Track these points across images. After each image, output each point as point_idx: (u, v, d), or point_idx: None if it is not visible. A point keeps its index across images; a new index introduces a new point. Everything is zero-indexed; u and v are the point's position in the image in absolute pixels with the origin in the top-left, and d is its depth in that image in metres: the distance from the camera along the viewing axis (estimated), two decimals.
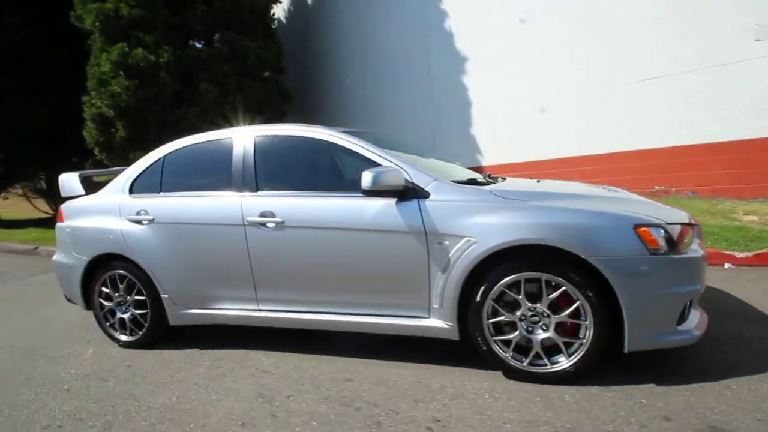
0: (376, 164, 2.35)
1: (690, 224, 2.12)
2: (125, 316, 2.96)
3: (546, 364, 2.06)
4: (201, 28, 7.66)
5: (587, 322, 1.98)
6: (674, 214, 2.16)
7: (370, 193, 2.19)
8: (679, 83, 5.69)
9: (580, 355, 1.99)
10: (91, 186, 3.26)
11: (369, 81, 9.53)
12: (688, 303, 1.98)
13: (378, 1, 9.02)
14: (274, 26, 8.94)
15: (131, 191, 2.97)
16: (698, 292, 1.99)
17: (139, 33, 7.09)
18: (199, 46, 8.33)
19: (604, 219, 1.98)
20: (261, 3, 8.30)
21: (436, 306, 2.22)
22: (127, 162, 7.56)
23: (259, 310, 2.64)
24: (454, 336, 2.22)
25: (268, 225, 2.49)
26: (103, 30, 6.96)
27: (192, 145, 2.92)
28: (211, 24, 7.70)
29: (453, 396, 2.05)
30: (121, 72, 6.90)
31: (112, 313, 3.01)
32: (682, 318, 1.97)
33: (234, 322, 2.75)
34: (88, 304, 3.08)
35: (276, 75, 9.06)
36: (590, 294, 1.94)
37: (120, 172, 3.58)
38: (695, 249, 2.04)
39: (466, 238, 2.09)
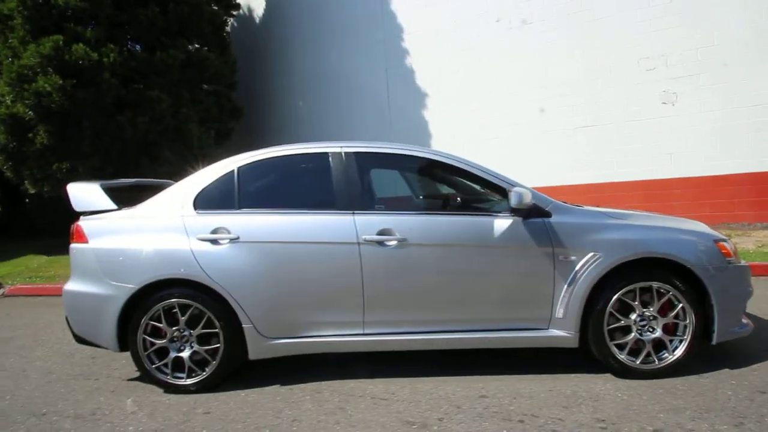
0: (493, 185, 2.52)
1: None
2: (184, 354, 2.49)
3: (654, 361, 2.40)
4: (150, 31, 6.83)
5: (686, 322, 2.39)
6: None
7: (515, 211, 2.35)
8: (603, 132, 7.06)
9: (683, 349, 2.39)
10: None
11: (324, 106, 9.54)
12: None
13: (337, 30, 9.23)
14: (229, 39, 8.46)
15: (195, 207, 2.57)
16: (752, 293, 2.57)
17: (76, 26, 6.03)
18: (136, 48, 7.40)
19: (695, 236, 2.47)
20: (219, 13, 7.82)
21: (560, 317, 2.42)
22: (48, 174, 6.23)
23: (365, 334, 2.50)
24: (574, 344, 2.44)
25: (388, 243, 2.43)
26: (29, 18, 5.76)
27: (271, 158, 2.69)
28: (163, 27, 6.94)
29: (592, 398, 2.25)
30: (50, 68, 5.74)
31: (161, 352, 2.50)
32: None
33: (332, 350, 2.54)
34: (124, 343, 2.51)
35: (228, 90, 8.51)
36: (690, 298, 2.37)
37: (142, 184, 3.09)
38: (742, 259, 2.65)
39: (592, 253, 2.37)
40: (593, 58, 7.03)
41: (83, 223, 2.62)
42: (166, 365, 2.50)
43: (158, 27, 6.93)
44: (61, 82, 5.63)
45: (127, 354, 3.00)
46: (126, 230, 2.56)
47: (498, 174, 2.57)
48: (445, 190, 2.77)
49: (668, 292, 2.38)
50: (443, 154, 2.63)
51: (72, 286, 2.58)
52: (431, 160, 2.64)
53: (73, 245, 2.62)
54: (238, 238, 2.46)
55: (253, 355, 2.49)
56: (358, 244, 2.43)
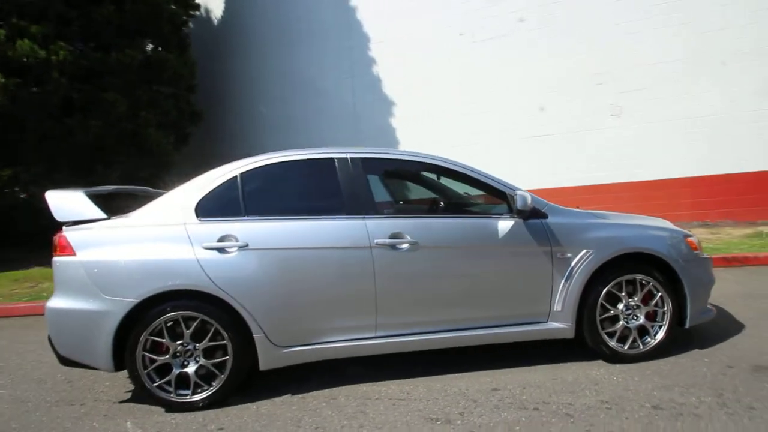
0: (495, 189, 2.68)
1: None
2: (189, 369, 2.37)
3: (639, 346, 2.66)
4: (105, 29, 6.38)
5: (664, 309, 2.68)
6: None
7: (519, 213, 2.50)
8: (558, 141, 7.63)
9: (663, 333, 2.67)
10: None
11: (290, 112, 9.41)
12: None
13: (302, 36, 9.17)
14: (189, 40, 8.10)
15: (198, 214, 2.47)
16: (714, 282, 2.93)
17: (21, 21, 5.50)
18: (89, 46, 6.86)
19: (669, 232, 2.77)
20: (179, 13, 7.48)
21: (558, 310, 2.61)
22: None
23: (377, 337, 2.53)
24: (571, 335, 2.63)
25: (399, 246, 2.49)
26: None
27: (274, 164, 2.64)
28: (119, 25, 6.51)
29: (592, 383, 2.44)
30: None
31: (162, 369, 2.36)
32: None
33: (344, 355, 2.54)
34: (120, 362, 2.34)
35: (187, 92, 8.14)
36: (667, 287, 2.66)
37: (121, 192, 2.93)
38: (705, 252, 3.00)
39: (585, 250, 2.59)
40: (548, 73, 7.59)
41: (68, 233, 2.41)
42: (168, 383, 2.36)
43: (114, 25, 6.47)
44: (3, 80, 5.08)
45: (111, 376, 2.82)
46: (120, 240, 2.39)
47: (499, 179, 2.72)
48: (449, 193, 2.89)
49: (649, 283, 2.65)
50: (447, 160, 2.74)
51: (57, 303, 2.36)
52: (435, 165, 2.74)
53: (57, 258, 2.40)
54: (247, 245, 2.40)
55: (264, 365, 2.42)
56: (371, 248, 2.46)
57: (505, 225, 2.58)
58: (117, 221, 2.46)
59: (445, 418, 2.18)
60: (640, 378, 2.47)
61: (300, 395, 2.50)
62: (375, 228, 2.49)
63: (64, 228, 2.46)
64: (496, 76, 7.87)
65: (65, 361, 2.41)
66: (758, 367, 2.50)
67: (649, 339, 2.68)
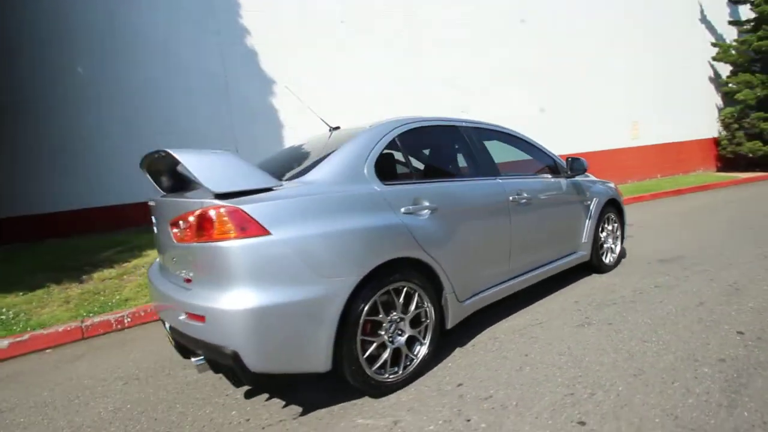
0: (547, 155, 3.52)
1: None
2: (400, 343, 2.21)
3: (611, 259, 4.07)
4: None
5: (619, 233, 4.19)
6: None
7: (571, 173, 3.42)
8: None
9: (619, 248, 4.17)
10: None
11: (138, 80, 7.37)
12: None
13: None
14: None
15: (380, 179, 2.26)
16: None
17: None
18: None
19: (613, 184, 4.30)
20: None
21: (585, 242, 3.71)
22: None
23: (510, 279, 2.98)
24: (588, 258, 3.79)
25: (522, 201, 2.99)
26: None
27: (417, 128, 2.67)
28: None
29: (612, 284, 3.64)
30: None
31: (371, 353, 2.12)
32: None
33: (493, 299, 2.86)
34: (337, 356, 1.96)
35: None
36: (618, 218, 4.17)
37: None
38: None
39: (595, 198, 3.78)
40: (414, 72, 8.90)
41: (250, 208, 1.78)
42: (383, 365, 2.13)
43: None
44: None
45: (185, 396, 2.25)
46: (318, 211, 1.95)
47: (546, 148, 3.58)
48: (521, 157, 3.53)
49: (611, 217, 4.10)
50: (518, 133, 3.38)
51: (253, 300, 1.74)
52: (513, 135, 3.34)
53: (238, 242, 1.75)
54: (437, 208, 2.39)
55: (450, 322, 2.50)
56: (508, 203, 2.87)
57: (564, 182, 3.47)
58: (296, 189, 1.98)
59: (584, 322, 2.91)
60: (626, 277, 3.85)
61: (467, 346, 2.68)
62: (507, 186, 2.92)
63: (229, 202, 1.78)
64: (373, 68, 8.60)
65: (258, 380, 1.81)
66: (661, 261, 4.31)
67: (613, 254, 4.14)
